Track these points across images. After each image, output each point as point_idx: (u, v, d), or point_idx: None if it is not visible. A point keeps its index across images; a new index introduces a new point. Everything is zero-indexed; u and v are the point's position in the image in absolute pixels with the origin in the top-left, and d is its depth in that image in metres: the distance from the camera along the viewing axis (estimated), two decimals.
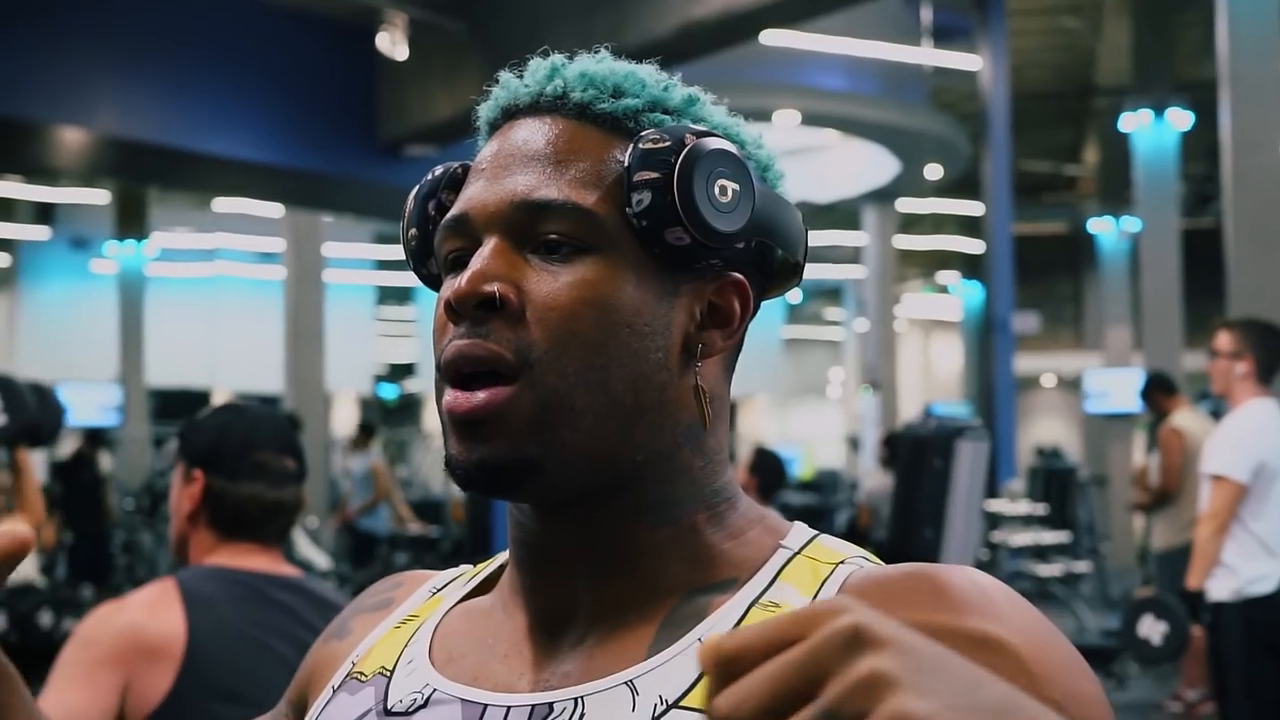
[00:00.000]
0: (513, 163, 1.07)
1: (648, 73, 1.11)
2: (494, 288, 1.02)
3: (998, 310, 13.45)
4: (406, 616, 1.20)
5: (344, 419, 28.04)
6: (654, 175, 1.02)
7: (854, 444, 25.37)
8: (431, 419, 29.24)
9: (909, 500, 4.50)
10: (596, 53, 1.12)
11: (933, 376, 34.29)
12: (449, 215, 1.09)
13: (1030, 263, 25.84)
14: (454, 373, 1.03)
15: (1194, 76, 19.53)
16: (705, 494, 1.09)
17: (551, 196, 1.03)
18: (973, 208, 22.88)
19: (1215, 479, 5.84)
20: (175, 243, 25.31)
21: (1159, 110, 18.08)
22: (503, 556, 1.19)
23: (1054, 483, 13.48)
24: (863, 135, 18.99)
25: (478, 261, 1.03)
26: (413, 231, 1.16)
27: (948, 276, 30.17)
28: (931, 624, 0.93)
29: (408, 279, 29.99)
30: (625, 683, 0.99)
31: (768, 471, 7.79)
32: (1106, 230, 23.82)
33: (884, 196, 22.55)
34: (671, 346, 1.05)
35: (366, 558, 14.02)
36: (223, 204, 22.67)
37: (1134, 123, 18.33)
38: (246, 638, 2.58)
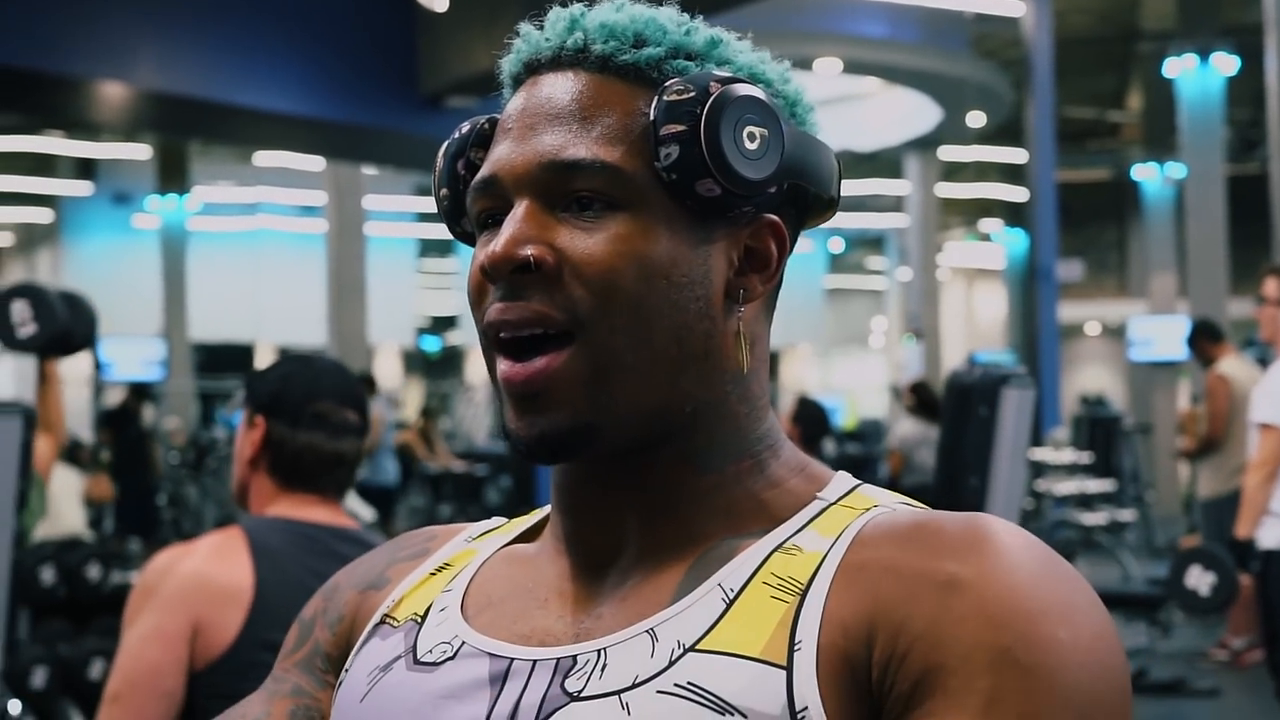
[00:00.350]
0: (538, 121, 1.06)
1: (668, 17, 1.09)
2: (528, 252, 1.02)
3: (1041, 258, 13.41)
4: (440, 565, 1.21)
5: (387, 372, 28.14)
6: (680, 128, 1.02)
7: (897, 393, 25.33)
8: (474, 371, 29.32)
9: (954, 449, 4.48)
10: None
11: (976, 325, 34.18)
12: (478, 177, 1.09)
13: (1074, 210, 25.70)
14: (496, 334, 1.04)
15: (1239, 20, 19.34)
16: (749, 441, 1.09)
17: (579, 155, 1.03)
18: (1016, 155, 22.73)
19: (1263, 427, 5.80)
20: (217, 197, 25.43)
21: (1204, 55, 17.92)
22: (545, 510, 1.20)
23: (1098, 431, 13.42)
24: (904, 83, 18.92)
25: (510, 225, 1.03)
26: (444, 191, 1.15)
27: (991, 224, 30.02)
28: (913, 566, 0.95)
29: (448, 231, 29.97)
30: (646, 630, 1.00)
31: (810, 421, 7.79)
32: (1151, 177, 23.65)
33: (926, 144, 22.47)
34: (712, 295, 1.05)
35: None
36: (264, 158, 22.74)
37: (1178, 68, 18.19)
38: (309, 591, 2.58)
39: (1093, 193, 29.77)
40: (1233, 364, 8.54)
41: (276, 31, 9.86)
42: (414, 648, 1.10)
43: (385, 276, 23.81)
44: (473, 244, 1.13)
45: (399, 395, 27.27)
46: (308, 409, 2.70)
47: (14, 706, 3.75)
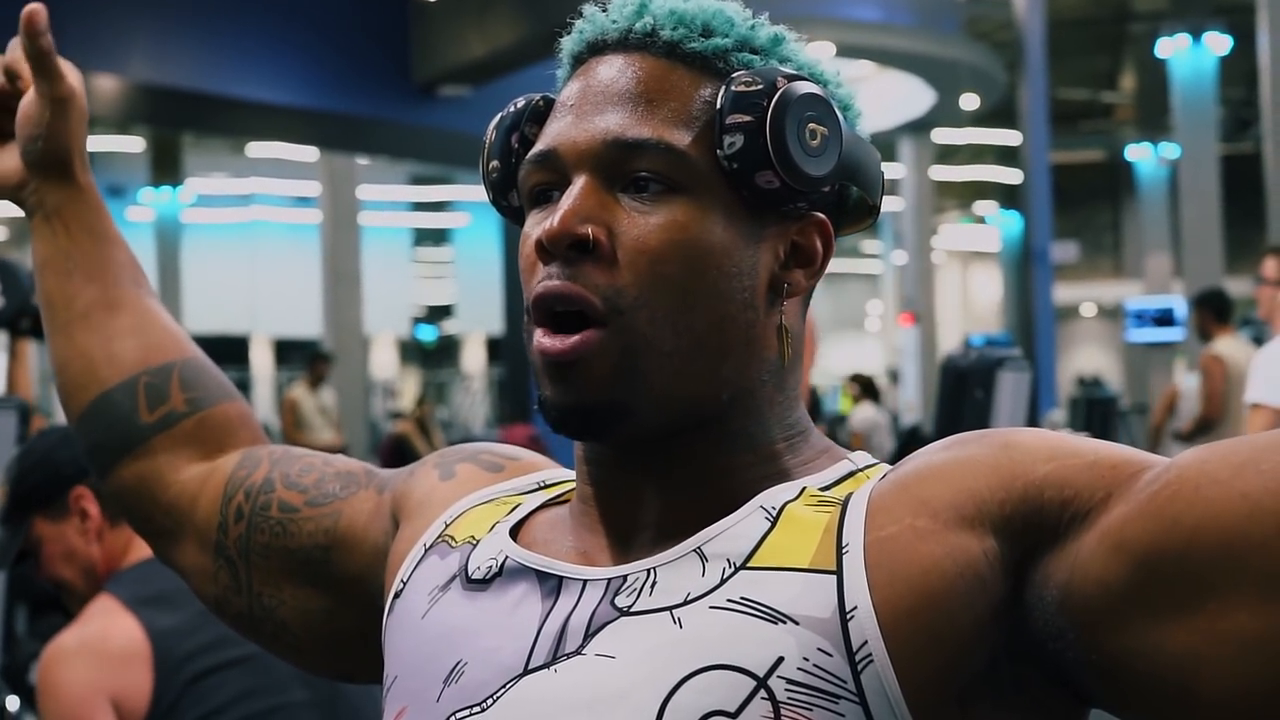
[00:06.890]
0: (602, 100, 1.07)
1: (735, 10, 1.11)
2: (587, 229, 1.03)
3: (1036, 240, 13.40)
4: (506, 496, 1.22)
5: (383, 361, 28.12)
6: (746, 119, 1.03)
7: (894, 377, 25.34)
8: (470, 359, 29.30)
9: (950, 432, 4.48)
10: None
11: (971, 308, 34.19)
12: (536, 150, 1.09)
13: (1068, 192, 25.70)
14: (544, 310, 1.04)
15: (1230, 0, 19.35)
16: (783, 426, 1.11)
17: (644, 135, 1.04)
18: (1010, 137, 22.75)
19: (1253, 407, 5.75)
20: (211, 189, 25.37)
21: (1196, 35, 17.92)
22: (572, 478, 1.21)
23: (1095, 412, 13.44)
24: (898, 66, 18.88)
25: (568, 200, 1.04)
26: (494, 164, 1.16)
27: (985, 207, 30.05)
28: (970, 453, 1.02)
29: (443, 220, 30.04)
30: (694, 550, 1.02)
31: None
32: (1145, 157, 23.67)
33: (920, 128, 22.44)
34: (757, 286, 1.07)
35: None
36: (257, 149, 22.70)
37: (1171, 48, 18.19)
38: (202, 613, 2.53)
39: (1087, 174, 29.77)
40: (1229, 343, 8.52)
41: (268, 22, 9.85)
42: (465, 567, 1.12)
43: (380, 266, 23.79)
44: (514, 219, 1.16)
45: (395, 385, 27.26)
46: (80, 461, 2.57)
47: (12, 703, 3.75)
